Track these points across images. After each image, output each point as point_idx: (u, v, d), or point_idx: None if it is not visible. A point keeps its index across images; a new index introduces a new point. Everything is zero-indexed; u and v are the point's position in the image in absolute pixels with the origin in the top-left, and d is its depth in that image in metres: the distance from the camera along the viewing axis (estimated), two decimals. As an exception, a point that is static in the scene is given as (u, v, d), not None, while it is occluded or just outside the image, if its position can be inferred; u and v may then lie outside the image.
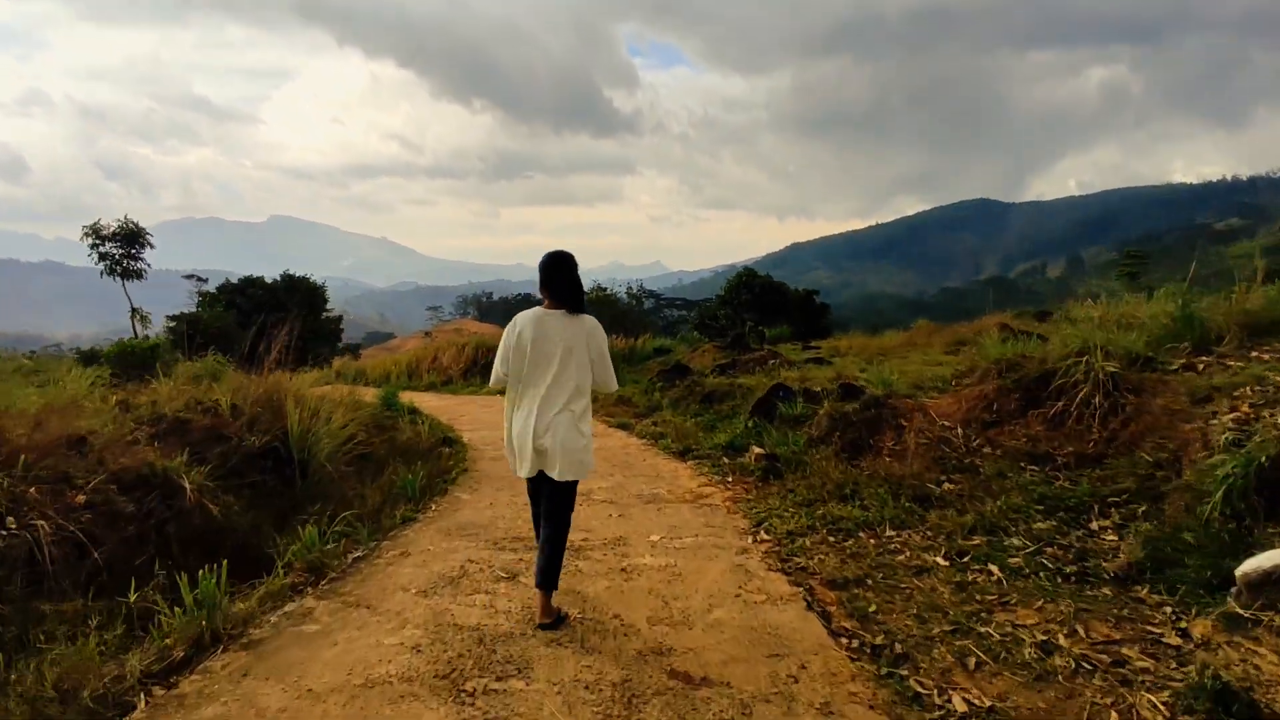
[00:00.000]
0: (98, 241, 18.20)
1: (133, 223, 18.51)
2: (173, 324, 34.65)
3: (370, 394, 16.46)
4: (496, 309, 69.79)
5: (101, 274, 18.45)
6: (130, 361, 11.90)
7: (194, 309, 36.08)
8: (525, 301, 66.41)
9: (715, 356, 19.47)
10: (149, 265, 18.88)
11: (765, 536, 5.03)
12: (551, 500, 3.68)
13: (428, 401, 17.55)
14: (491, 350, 24.23)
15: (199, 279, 40.15)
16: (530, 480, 3.74)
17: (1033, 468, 5.81)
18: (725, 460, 7.95)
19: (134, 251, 18.56)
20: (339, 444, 7.38)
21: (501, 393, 3.80)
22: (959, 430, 6.76)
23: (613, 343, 22.14)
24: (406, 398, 18.09)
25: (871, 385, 7.96)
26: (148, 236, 18.56)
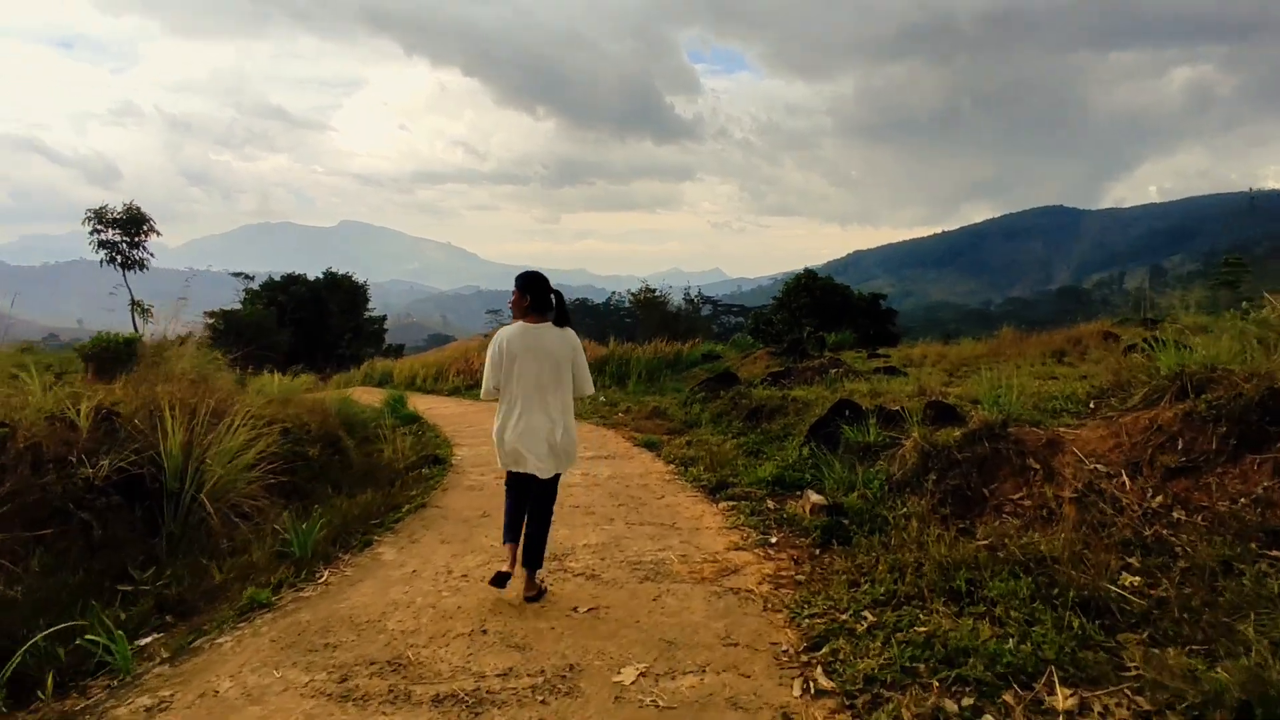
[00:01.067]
0: (100, 228, 16.88)
1: (136, 207, 17.17)
2: (211, 320, 34.08)
3: (378, 398, 14.76)
4: (555, 313, 68.32)
5: (101, 263, 17.15)
6: (107, 357, 10.25)
7: (238, 305, 35.48)
8: (582, 306, 66.28)
9: (768, 364, 17.19)
10: (151, 255, 17.47)
11: (826, 682, 2.81)
12: (537, 498, 3.92)
13: (444, 407, 15.76)
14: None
15: (245, 276, 39.56)
16: (515, 475, 3.95)
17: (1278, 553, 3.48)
18: (770, 504, 5.77)
19: (137, 239, 17.21)
20: (240, 469, 5.45)
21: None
22: (1125, 480, 4.43)
23: (657, 347, 20.22)
24: (422, 403, 16.35)
25: (981, 406, 5.67)
26: (151, 223, 17.20)
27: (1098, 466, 4.60)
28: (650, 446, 9.43)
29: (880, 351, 18.24)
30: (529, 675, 2.90)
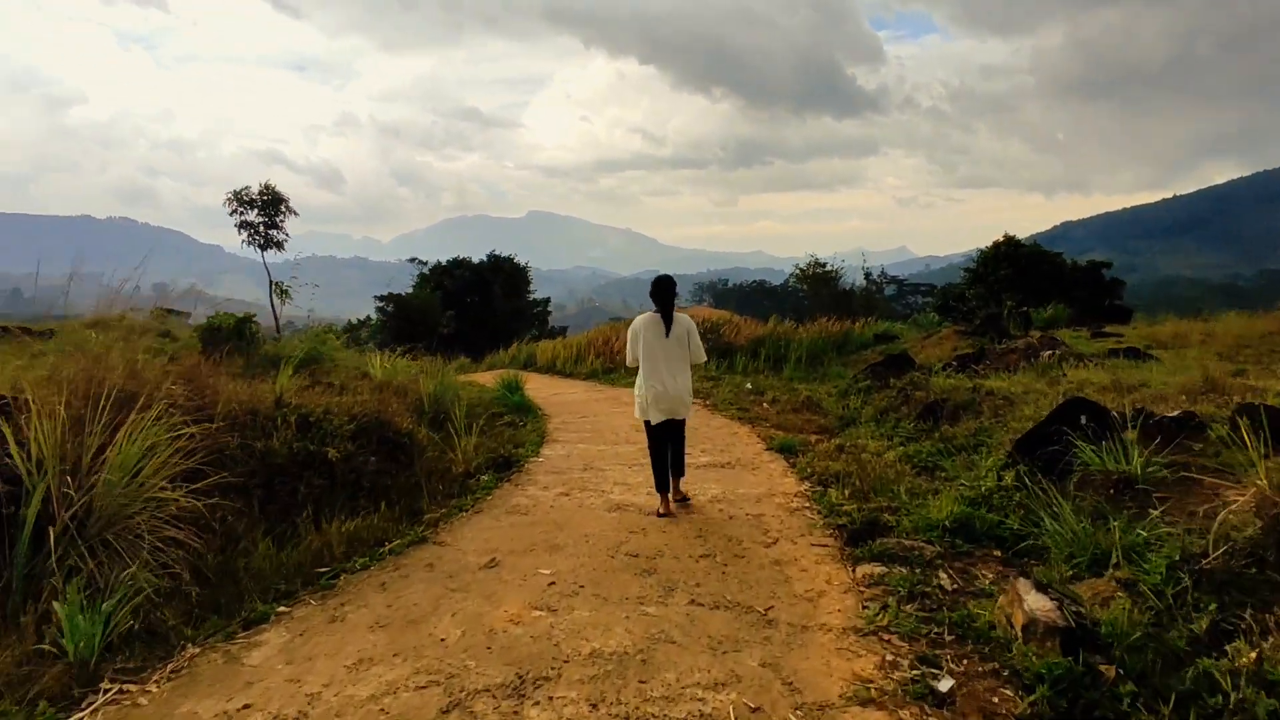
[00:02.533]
0: (240, 208, 16.84)
1: (273, 188, 16.98)
2: (381, 304, 35.26)
3: (491, 380, 13.40)
4: (731, 295, 66.45)
5: (243, 245, 17.17)
6: (218, 337, 9.53)
7: (411, 290, 36.57)
8: (760, 288, 66.07)
9: (956, 345, 13.96)
10: (288, 235, 17.28)
11: None
12: (672, 432, 5.38)
13: (570, 393, 14.06)
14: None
15: (420, 262, 40.82)
16: (655, 426, 5.32)
17: None
18: (944, 579, 3.34)
19: (277, 220, 17.06)
20: (152, 487, 3.82)
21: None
22: None
23: (823, 327, 17.71)
24: (550, 388, 14.83)
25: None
26: (288, 203, 16.98)
27: None
28: (786, 451, 7.11)
29: (1108, 330, 14.37)
30: None
